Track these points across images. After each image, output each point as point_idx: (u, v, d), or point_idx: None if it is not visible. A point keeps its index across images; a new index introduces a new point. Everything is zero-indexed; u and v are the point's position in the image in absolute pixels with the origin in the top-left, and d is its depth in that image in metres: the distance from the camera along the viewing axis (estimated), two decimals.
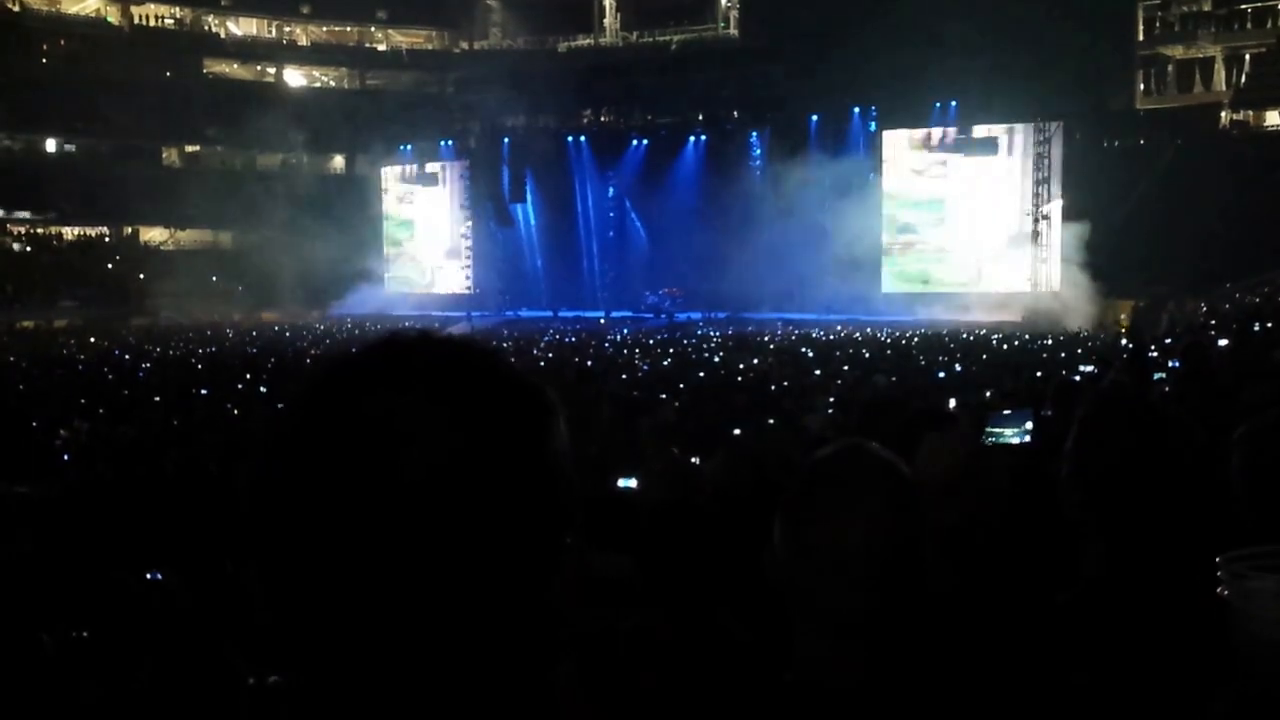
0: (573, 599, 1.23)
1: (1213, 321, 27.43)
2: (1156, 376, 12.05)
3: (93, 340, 40.30)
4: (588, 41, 69.50)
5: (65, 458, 11.42)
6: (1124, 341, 29.15)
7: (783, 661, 2.12)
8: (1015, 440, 7.03)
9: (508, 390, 1.19)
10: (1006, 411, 8.12)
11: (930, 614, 2.10)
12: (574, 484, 1.21)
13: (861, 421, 5.50)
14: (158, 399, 18.90)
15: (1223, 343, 18.78)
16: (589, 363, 26.21)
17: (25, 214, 61.76)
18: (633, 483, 6.81)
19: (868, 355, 26.89)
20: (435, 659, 1.12)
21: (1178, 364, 11.54)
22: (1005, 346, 29.87)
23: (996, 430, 7.26)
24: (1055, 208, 48.08)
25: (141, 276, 59.40)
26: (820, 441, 8.34)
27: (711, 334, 40.09)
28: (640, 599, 3.45)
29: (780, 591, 2.10)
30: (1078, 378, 14.03)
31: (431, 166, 64.11)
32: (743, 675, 2.71)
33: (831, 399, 15.90)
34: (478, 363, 1.21)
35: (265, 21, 73.65)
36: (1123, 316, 40.56)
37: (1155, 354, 17.52)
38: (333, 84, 75.04)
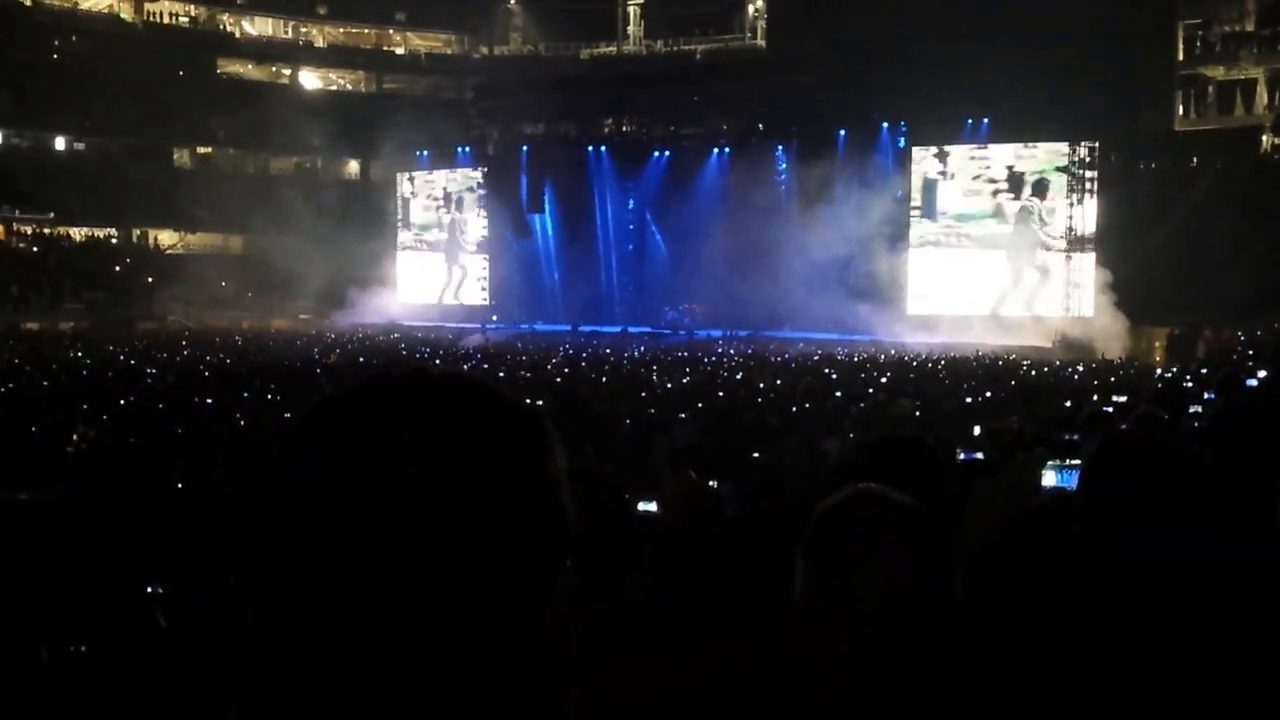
0: (571, 627, 1.24)
1: (1251, 352, 26.82)
2: (1191, 409, 11.18)
3: (97, 346, 39.37)
4: (611, 49, 68.71)
5: (69, 465, 11.00)
6: (1158, 371, 28.54)
7: (798, 697, 2.16)
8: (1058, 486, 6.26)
9: (500, 419, 1.22)
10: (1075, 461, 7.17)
11: (950, 656, 2.10)
12: (569, 511, 1.23)
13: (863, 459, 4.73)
14: (163, 406, 18.59)
15: (1262, 374, 18.36)
16: (604, 379, 26.06)
17: (32, 213, 60.89)
18: (653, 506, 6.84)
19: (890, 378, 26.54)
20: (428, 686, 1.15)
21: (1213, 396, 11.15)
22: (1034, 373, 29.24)
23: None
24: (1088, 230, 47.06)
25: (150, 280, 58.68)
26: (841, 468, 7.75)
27: (731, 352, 39.30)
28: (652, 628, 3.40)
29: (799, 637, 2.11)
30: (1109, 409, 13.61)
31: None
32: (757, 709, 2.63)
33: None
34: (470, 393, 1.24)
35: (281, 22, 73.05)
36: (1157, 345, 39.84)
37: (1190, 385, 16.98)
38: (349, 87, 74.49)
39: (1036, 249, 48.56)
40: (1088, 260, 46.67)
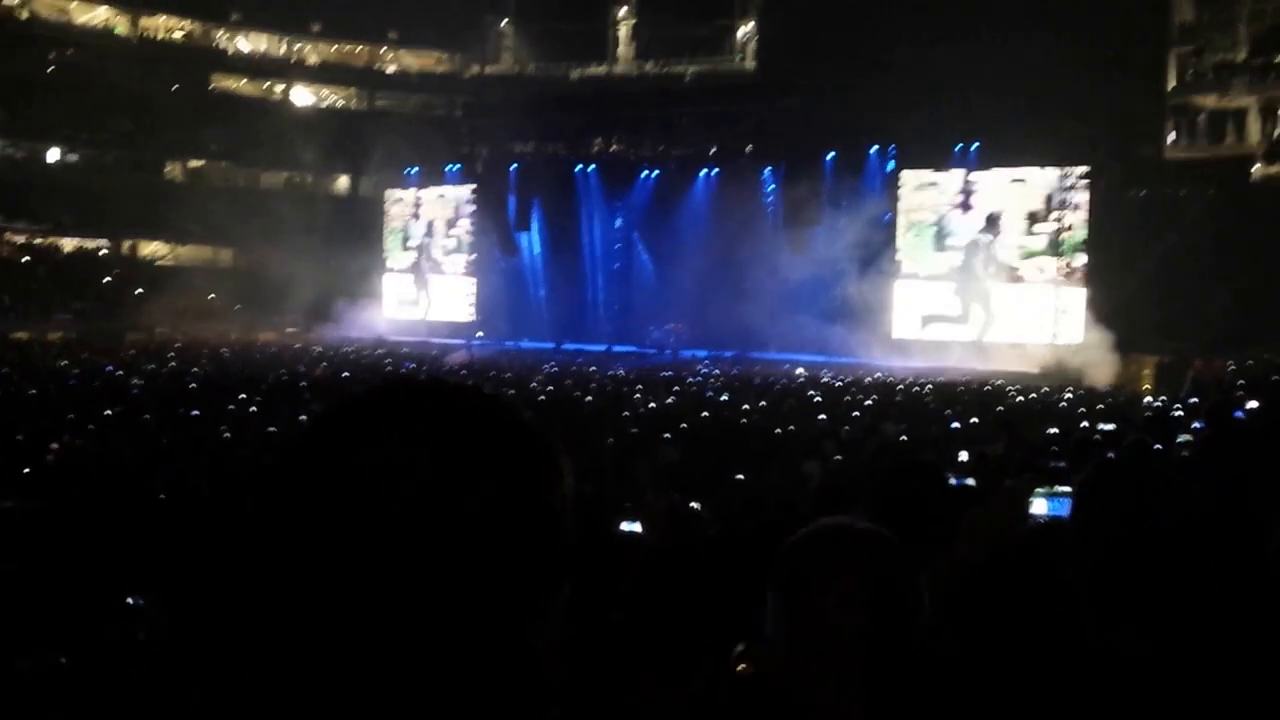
0: (562, 647, 1.23)
1: (1240, 381, 26.77)
2: (1180, 439, 11.27)
3: (85, 356, 39.28)
4: (601, 69, 68.76)
5: (51, 474, 10.95)
6: (1147, 400, 28.50)
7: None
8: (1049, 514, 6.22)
9: (508, 436, 1.21)
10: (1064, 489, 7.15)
11: (930, 682, 2.11)
12: (571, 532, 1.22)
13: (878, 484, 4.83)
14: (147, 416, 18.42)
15: (1251, 404, 18.29)
16: (587, 398, 25.79)
17: (25, 224, 61.23)
18: (636, 526, 6.86)
19: (875, 401, 26.17)
20: (416, 701, 1.13)
21: (1202, 425, 11.08)
22: (1021, 399, 29.10)
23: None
24: (1078, 257, 46.99)
25: (139, 291, 58.60)
26: (823, 490, 8.64)
27: (716, 373, 39.19)
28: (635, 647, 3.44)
29: (773, 669, 2.11)
30: (1097, 436, 13.60)
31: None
32: None
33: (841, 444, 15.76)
34: (479, 407, 1.22)
35: (275, 38, 72.98)
36: (1146, 373, 39.72)
37: (1179, 414, 17.06)
38: (340, 103, 74.49)
39: (985, 282, 48.64)
40: (1076, 287, 46.62)
